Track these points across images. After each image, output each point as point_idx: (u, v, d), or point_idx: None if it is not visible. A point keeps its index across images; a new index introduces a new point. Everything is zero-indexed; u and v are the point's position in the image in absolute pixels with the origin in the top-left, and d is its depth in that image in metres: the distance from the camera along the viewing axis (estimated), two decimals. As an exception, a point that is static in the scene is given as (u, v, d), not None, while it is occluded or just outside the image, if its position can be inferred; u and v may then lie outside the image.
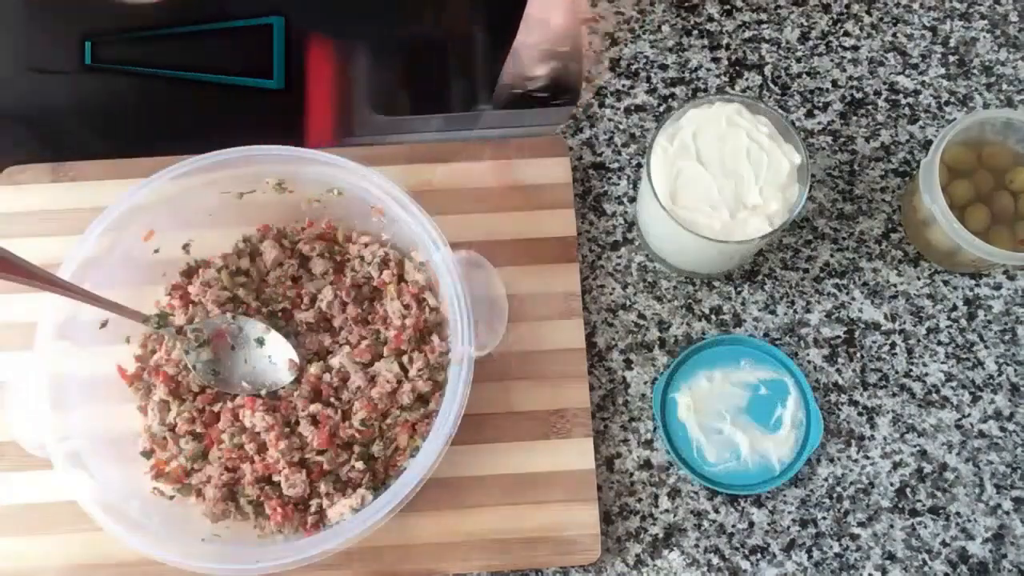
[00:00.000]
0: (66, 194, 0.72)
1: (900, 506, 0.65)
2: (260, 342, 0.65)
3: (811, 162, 0.62)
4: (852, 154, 0.75)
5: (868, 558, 0.64)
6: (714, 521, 0.65)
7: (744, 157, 0.61)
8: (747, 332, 0.70)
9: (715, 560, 0.64)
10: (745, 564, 0.64)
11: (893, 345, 0.69)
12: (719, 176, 0.61)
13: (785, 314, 0.70)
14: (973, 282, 0.71)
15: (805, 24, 0.79)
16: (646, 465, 0.66)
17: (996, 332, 0.70)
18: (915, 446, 0.67)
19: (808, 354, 0.69)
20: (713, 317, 0.70)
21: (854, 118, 0.76)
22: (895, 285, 0.71)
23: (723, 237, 0.60)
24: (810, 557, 0.64)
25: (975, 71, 0.77)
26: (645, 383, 0.68)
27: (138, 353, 0.66)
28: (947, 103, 0.76)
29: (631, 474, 0.66)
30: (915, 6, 0.80)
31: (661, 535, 0.65)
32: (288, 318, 0.67)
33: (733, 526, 0.65)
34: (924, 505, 0.65)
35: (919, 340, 0.69)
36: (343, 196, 0.65)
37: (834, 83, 0.77)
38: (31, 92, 0.74)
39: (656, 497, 0.66)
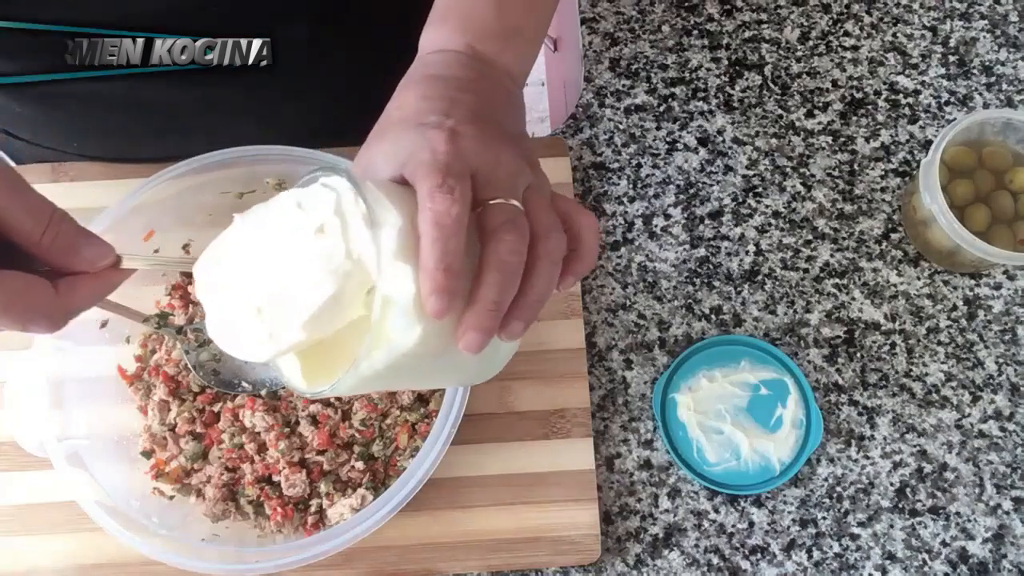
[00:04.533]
0: (66, 194, 0.71)
1: (900, 506, 0.65)
2: (260, 342, 0.65)
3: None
4: (852, 154, 0.75)
5: (868, 558, 0.64)
6: (714, 521, 0.65)
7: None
8: (747, 332, 0.70)
9: (715, 560, 0.64)
10: (745, 564, 0.64)
11: (893, 345, 0.69)
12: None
13: (785, 314, 0.70)
14: (973, 282, 0.71)
15: (805, 24, 0.79)
16: (646, 465, 0.66)
17: (996, 332, 0.70)
18: (915, 446, 0.67)
19: (808, 354, 0.69)
20: (713, 317, 0.70)
21: (854, 118, 0.76)
22: (895, 285, 0.71)
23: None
24: (810, 557, 0.64)
25: (975, 71, 0.77)
26: (645, 383, 0.68)
27: (138, 353, 0.66)
28: (947, 103, 0.76)
29: (631, 474, 0.66)
30: (915, 6, 0.80)
31: (661, 535, 0.65)
32: (288, 318, 0.67)
33: (733, 526, 0.65)
34: (924, 505, 0.65)
35: (919, 340, 0.69)
36: (343, 196, 0.65)
37: (834, 83, 0.77)
38: None
39: (656, 497, 0.66)
